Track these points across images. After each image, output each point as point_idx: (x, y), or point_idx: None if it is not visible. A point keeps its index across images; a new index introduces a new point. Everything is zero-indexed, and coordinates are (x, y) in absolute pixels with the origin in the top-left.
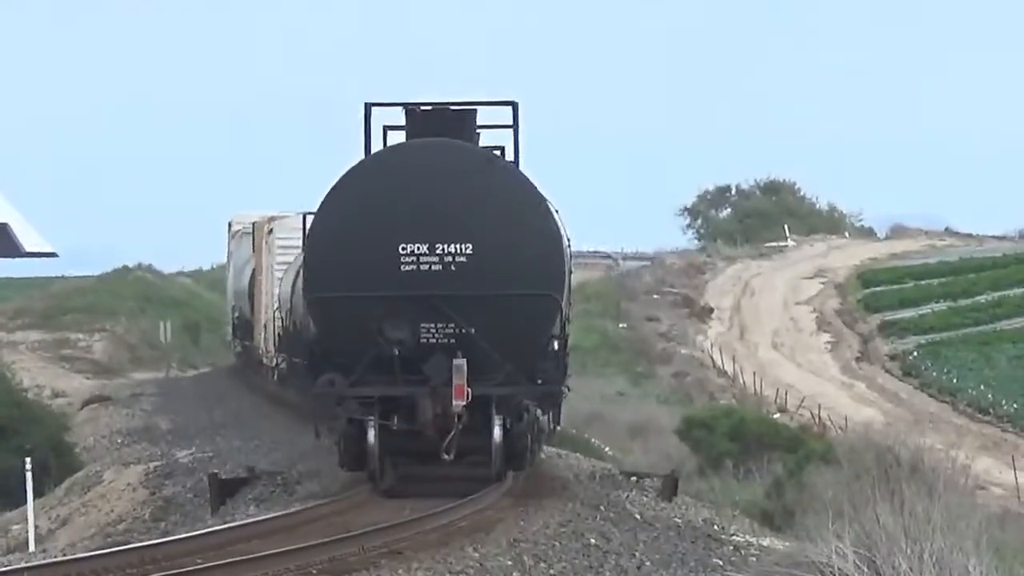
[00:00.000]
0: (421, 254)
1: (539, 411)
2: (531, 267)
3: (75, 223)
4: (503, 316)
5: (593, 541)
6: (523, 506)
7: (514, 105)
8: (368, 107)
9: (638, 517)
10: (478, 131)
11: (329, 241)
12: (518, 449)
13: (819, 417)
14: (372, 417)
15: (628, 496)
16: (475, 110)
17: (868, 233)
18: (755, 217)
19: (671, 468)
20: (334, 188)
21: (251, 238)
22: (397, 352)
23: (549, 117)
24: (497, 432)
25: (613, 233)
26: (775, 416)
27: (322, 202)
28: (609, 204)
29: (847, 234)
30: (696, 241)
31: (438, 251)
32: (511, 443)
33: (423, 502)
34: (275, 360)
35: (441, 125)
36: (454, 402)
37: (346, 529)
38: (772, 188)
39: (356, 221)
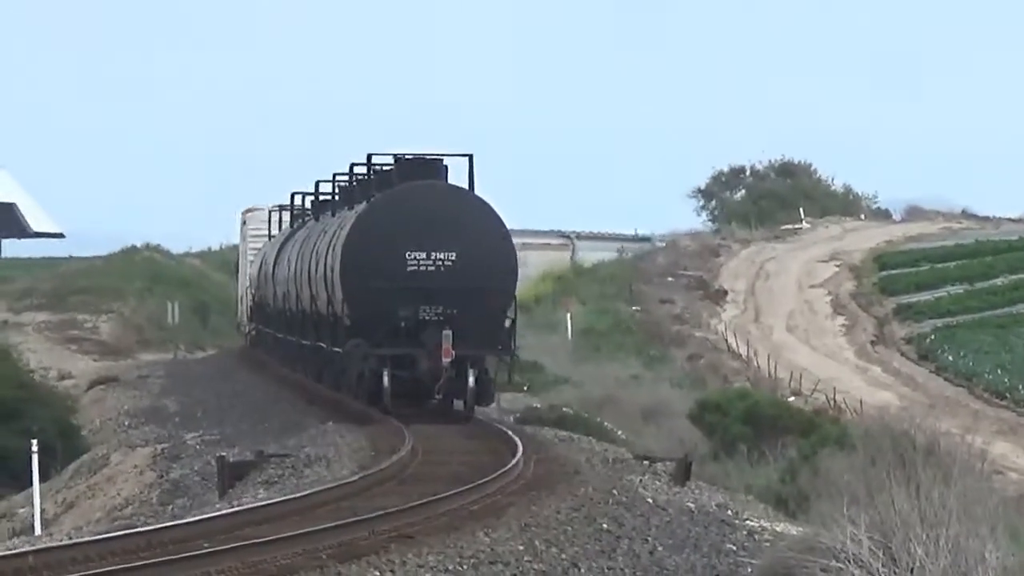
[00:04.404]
0: (421, 259)
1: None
2: (494, 269)
3: (83, 203)
4: (476, 302)
5: (605, 526)
6: (534, 490)
7: (470, 157)
8: (369, 156)
9: (651, 501)
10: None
11: (359, 251)
12: (484, 392)
13: (834, 401)
14: (386, 368)
15: (641, 480)
16: (442, 159)
17: (884, 215)
18: (770, 199)
19: (684, 452)
20: (361, 215)
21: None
22: (404, 324)
23: (563, 98)
24: (471, 380)
25: (625, 214)
26: (789, 399)
27: (353, 224)
28: (621, 185)
29: (863, 216)
30: (710, 223)
31: (432, 257)
32: (480, 388)
33: (430, 487)
34: (247, 328)
35: (421, 169)
36: (443, 360)
37: (355, 513)
38: (787, 170)
39: (376, 237)
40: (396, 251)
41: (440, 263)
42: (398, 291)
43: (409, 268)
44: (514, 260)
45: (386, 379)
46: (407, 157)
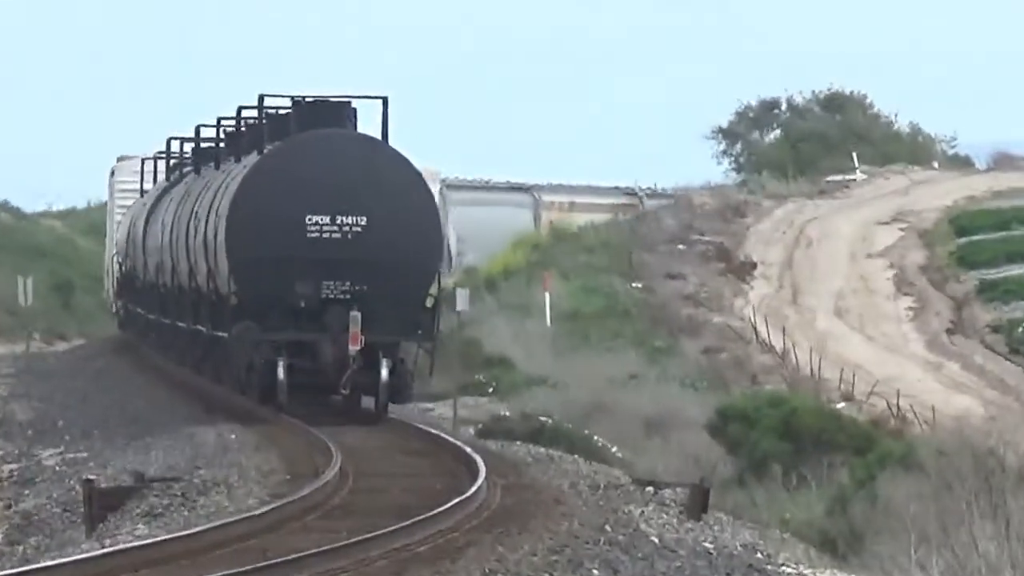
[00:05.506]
0: (324, 224)
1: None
2: (414, 237)
3: None
4: (390, 277)
5: (596, 572)
6: (501, 526)
7: (384, 99)
8: (261, 97)
9: (656, 540)
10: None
11: (250, 213)
12: (400, 386)
13: (897, 408)
14: (281, 358)
15: (643, 512)
16: (350, 102)
17: (964, 163)
18: (812, 141)
19: (700, 476)
20: (252, 170)
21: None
22: (303, 304)
23: (555, 18)
24: (384, 372)
25: (627, 163)
26: (838, 406)
27: (242, 180)
28: (622, 127)
29: (935, 165)
30: (734, 174)
31: (338, 222)
32: (395, 381)
33: (364, 521)
34: (114, 307)
35: (324, 115)
36: (350, 347)
37: (265, 557)
38: (835, 103)
39: (270, 197)
40: (293, 214)
41: (347, 229)
42: (296, 263)
43: (310, 235)
44: (437, 226)
45: (281, 371)
46: (307, 100)
